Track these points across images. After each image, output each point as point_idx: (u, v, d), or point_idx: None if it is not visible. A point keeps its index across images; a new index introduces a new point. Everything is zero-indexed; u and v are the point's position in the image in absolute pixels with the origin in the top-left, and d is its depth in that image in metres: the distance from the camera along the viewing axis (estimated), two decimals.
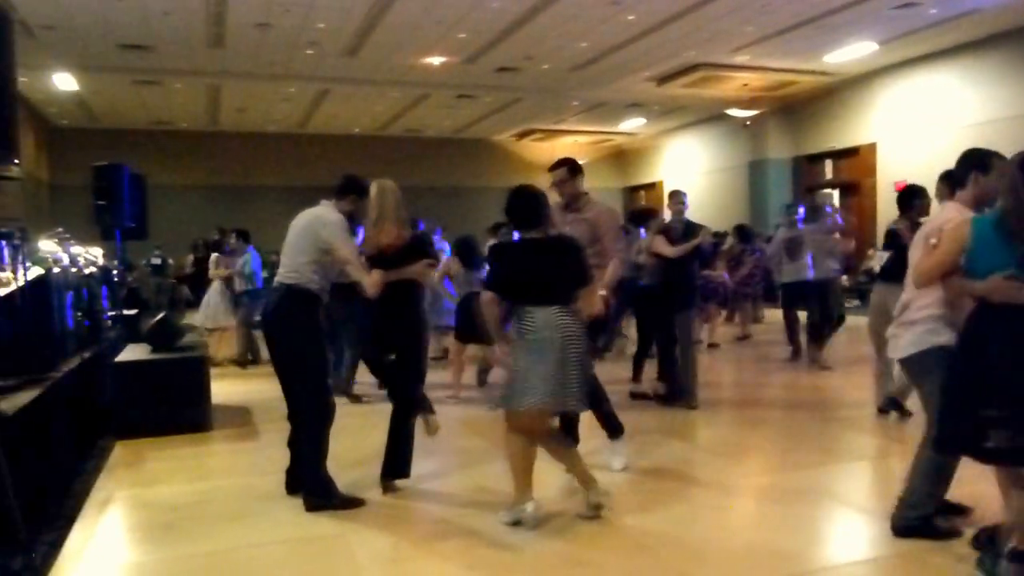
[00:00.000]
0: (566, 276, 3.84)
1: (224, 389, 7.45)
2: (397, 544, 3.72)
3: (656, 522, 3.94)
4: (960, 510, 3.76)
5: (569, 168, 4.96)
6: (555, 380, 3.67)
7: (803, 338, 8.82)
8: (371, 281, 4.22)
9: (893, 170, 15.07)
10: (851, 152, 16.41)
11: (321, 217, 4.31)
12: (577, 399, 3.78)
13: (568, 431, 4.55)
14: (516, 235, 4.11)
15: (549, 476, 4.32)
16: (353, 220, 4.52)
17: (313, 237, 4.25)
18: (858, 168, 16.22)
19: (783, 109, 17.72)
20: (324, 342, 4.40)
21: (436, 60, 13.92)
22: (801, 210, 9.44)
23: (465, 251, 7.60)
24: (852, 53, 13.76)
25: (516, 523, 3.85)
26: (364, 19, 11.62)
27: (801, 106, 17.44)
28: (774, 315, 14.23)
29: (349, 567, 3.47)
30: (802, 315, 8.85)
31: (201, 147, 20.16)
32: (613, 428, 4.85)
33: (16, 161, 3.51)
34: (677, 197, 7.09)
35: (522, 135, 22.15)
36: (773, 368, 8.85)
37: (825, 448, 5.41)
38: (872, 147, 15.77)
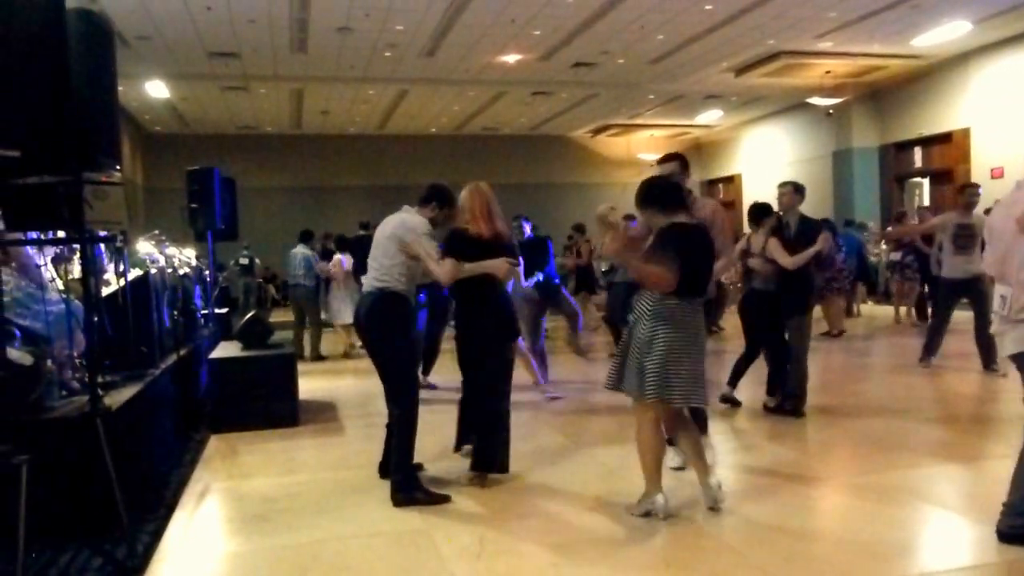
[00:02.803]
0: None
1: (310, 385, 7.67)
2: (483, 539, 3.76)
3: (745, 523, 3.87)
4: None
5: (681, 162, 4.86)
6: (685, 373, 3.74)
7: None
8: (443, 271, 4.36)
9: (989, 156, 14.35)
10: (943, 138, 15.69)
11: (405, 222, 4.48)
12: (704, 393, 3.87)
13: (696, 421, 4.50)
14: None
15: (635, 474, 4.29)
16: (435, 227, 4.63)
17: (399, 243, 4.41)
18: (951, 155, 15.50)
19: (869, 96, 17.10)
20: (411, 339, 4.56)
21: (511, 58, 13.97)
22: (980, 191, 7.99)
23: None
24: (943, 34, 13.15)
25: (647, 515, 3.89)
26: (441, 20, 11.75)
27: (888, 92, 16.79)
28: (871, 310, 13.85)
29: (434, 561, 3.52)
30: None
31: (285, 150, 20.75)
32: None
33: (118, 167, 3.69)
34: (783, 188, 6.41)
35: (598, 131, 22.02)
36: (887, 367, 8.57)
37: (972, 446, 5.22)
38: (966, 132, 15.04)
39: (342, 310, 10.19)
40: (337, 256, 10.51)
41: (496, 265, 4.44)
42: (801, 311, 6.07)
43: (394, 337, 4.41)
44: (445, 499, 4.30)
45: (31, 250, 4.30)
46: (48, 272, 4.46)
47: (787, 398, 6.10)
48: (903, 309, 12.38)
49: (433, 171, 21.93)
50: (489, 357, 4.60)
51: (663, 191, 4.00)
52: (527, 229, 7.90)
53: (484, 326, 4.59)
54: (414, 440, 4.39)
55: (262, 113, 18.26)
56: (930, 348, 8.02)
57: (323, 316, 10.64)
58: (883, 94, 16.94)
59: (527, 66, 14.50)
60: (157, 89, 14.89)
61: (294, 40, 12.54)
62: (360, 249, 8.93)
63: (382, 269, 4.43)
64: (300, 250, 10.49)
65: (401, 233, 4.42)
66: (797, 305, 6.04)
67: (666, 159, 4.92)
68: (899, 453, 5.07)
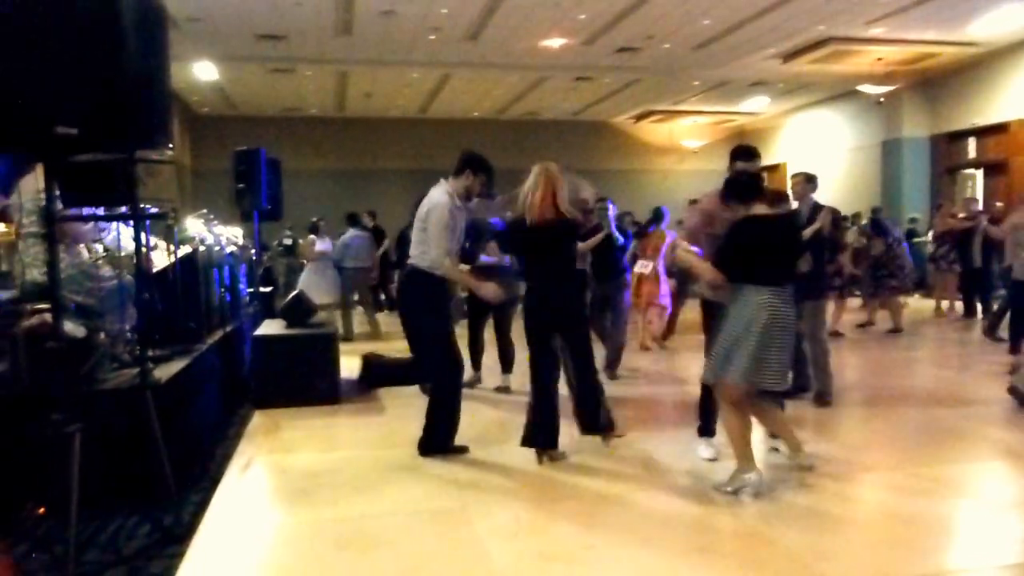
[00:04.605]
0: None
1: (351, 364, 7.75)
2: (519, 518, 3.80)
3: (781, 512, 3.85)
4: None
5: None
6: (758, 358, 3.86)
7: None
8: (445, 264, 4.53)
9: None
10: (998, 128, 15.21)
11: (431, 198, 4.65)
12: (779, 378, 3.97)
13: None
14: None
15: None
16: (470, 197, 4.78)
17: (425, 219, 4.57)
18: (1006, 146, 15.05)
19: (921, 84, 16.65)
20: (446, 316, 4.73)
21: (555, 42, 13.89)
22: None
23: None
24: (1001, 20, 12.74)
25: (737, 492, 3.99)
26: (485, 3, 11.72)
27: (941, 80, 16.34)
28: (917, 303, 13.54)
29: (470, 540, 3.57)
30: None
31: (328, 132, 20.91)
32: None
33: (171, 146, 3.78)
34: (795, 178, 6.59)
35: (640, 117, 21.80)
36: (930, 360, 8.42)
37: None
38: (1023, 123, 14.61)
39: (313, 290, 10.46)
40: (311, 237, 10.85)
41: (483, 287, 4.68)
42: (815, 296, 6.08)
43: (421, 312, 4.58)
44: (464, 449, 4.72)
45: (87, 226, 4.43)
46: (102, 247, 4.59)
47: (804, 384, 6.18)
48: (945, 302, 12.12)
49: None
50: (581, 329, 4.72)
51: (738, 186, 4.12)
52: (612, 213, 7.52)
53: (575, 302, 4.73)
54: (452, 417, 4.55)
55: (307, 95, 18.42)
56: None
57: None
58: (936, 82, 16.49)
59: (570, 51, 14.41)
60: (206, 71, 15.10)
61: (339, 23, 12.62)
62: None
63: (415, 246, 4.64)
64: (357, 232, 10.59)
65: (426, 211, 4.60)
66: (810, 290, 5.93)
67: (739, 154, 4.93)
68: (943, 447, 4.99)
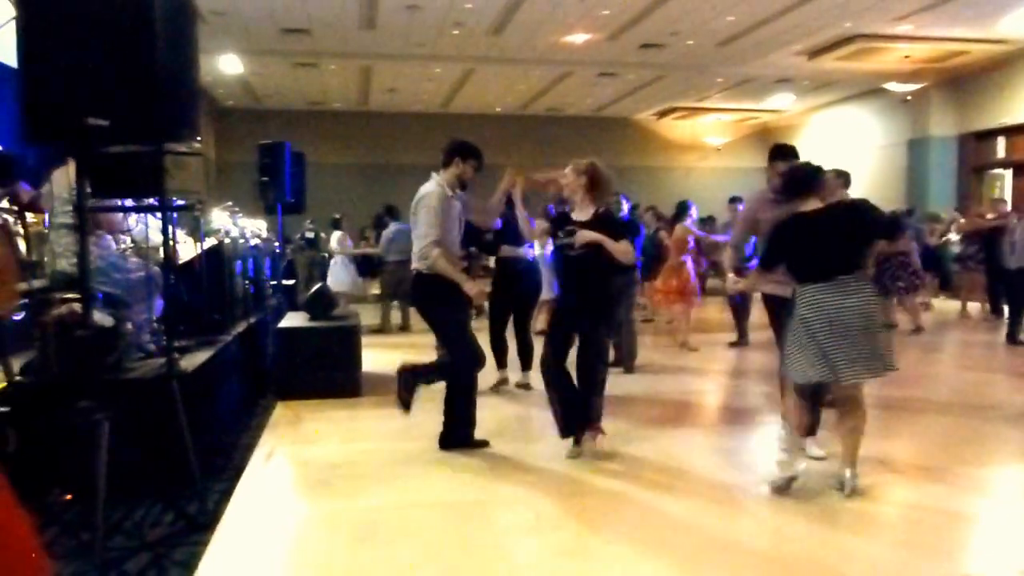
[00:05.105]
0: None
1: (370, 357, 7.80)
2: (539, 514, 3.81)
3: (804, 513, 3.83)
4: None
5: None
6: (827, 354, 3.84)
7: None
8: (435, 256, 4.50)
9: None
10: None
11: (420, 190, 4.66)
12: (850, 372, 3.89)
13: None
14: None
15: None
16: (464, 185, 4.73)
17: (416, 212, 4.63)
18: None
19: (949, 82, 16.43)
20: (461, 308, 4.74)
21: (579, 38, 13.86)
22: None
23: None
24: None
25: (788, 483, 4.01)
26: None
27: (970, 78, 16.11)
28: (942, 305, 13.38)
29: (489, 534, 3.59)
30: None
31: (351, 126, 21.00)
32: None
33: (199, 138, 3.82)
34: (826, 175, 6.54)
35: (663, 113, 21.70)
36: (955, 363, 8.33)
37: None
38: None
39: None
40: (338, 232, 11.32)
41: (470, 286, 4.60)
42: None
43: (436, 305, 4.65)
44: (484, 443, 4.74)
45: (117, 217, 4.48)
46: (129, 239, 4.64)
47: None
48: (972, 303, 11.96)
49: (497, 151, 21.87)
50: (603, 326, 4.73)
51: (798, 178, 4.13)
52: (625, 207, 7.59)
53: (600, 297, 4.70)
54: (469, 409, 4.67)
55: (331, 89, 18.51)
56: None
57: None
58: (964, 80, 16.27)
59: (594, 46, 14.37)
60: (231, 64, 15.21)
61: (363, 17, 12.66)
62: None
63: (414, 245, 4.69)
64: (399, 226, 10.40)
65: (415, 203, 4.62)
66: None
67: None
68: (968, 449, 4.95)
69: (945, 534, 3.56)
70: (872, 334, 3.87)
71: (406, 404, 4.72)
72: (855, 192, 14.66)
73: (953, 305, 12.64)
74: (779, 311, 4.41)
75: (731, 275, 4.85)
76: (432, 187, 4.62)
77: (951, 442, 5.14)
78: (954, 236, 12.81)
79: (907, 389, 6.80)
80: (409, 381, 4.72)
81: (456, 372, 4.70)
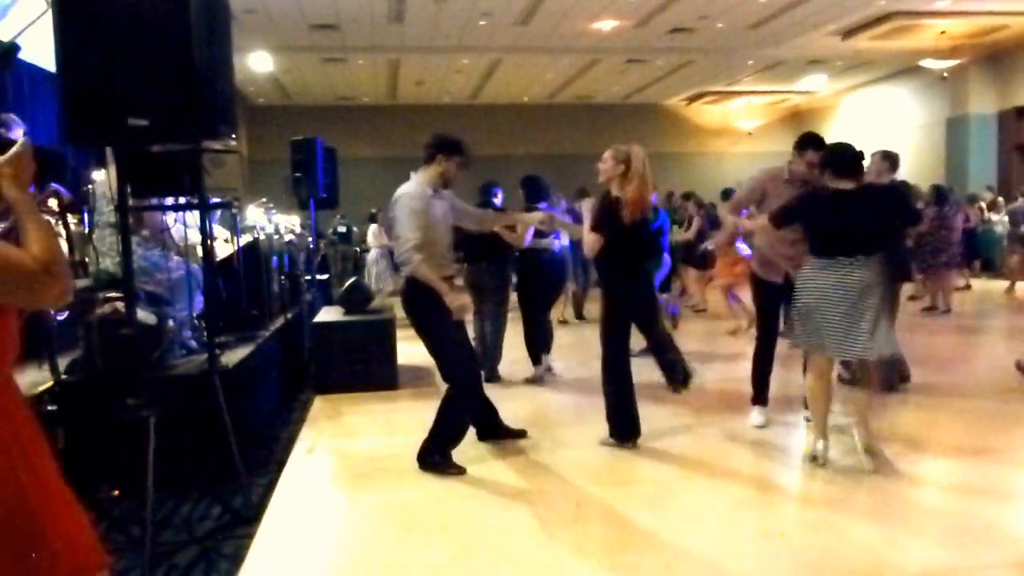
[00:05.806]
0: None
1: (405, 350, 7.83)
2: (580, 503, 3.80)
3: (850, 500, 3.78)
4: None
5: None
6: (841, 329, 3.94)
7: None
8: (416, 260, 4.13)
9: None
10: None
11: (396, 193, 4.37)
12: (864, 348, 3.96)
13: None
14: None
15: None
16: (447, 184, 4.46)
17: (393, 215, 4.37)
18: None
19: (988, 58, 16.04)
20: (452, 323, 4.28)
21: (606, 25, 13.75)
22: None
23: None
24: None
25: (813, 459, 4.16)
26: None
27: (1010, 53, 15.71)
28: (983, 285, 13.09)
29: (531, 524, 3.58)
30: None
31: (380, 120, 21.07)
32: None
33: (234, 136, 3.85)
34: (872, 157, 6.17)
35: (693, 99, 21.48)
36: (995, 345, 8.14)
37: None
38: None
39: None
40: (374, 226, 11.30)
41: (452, 299, 4.19)
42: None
43: (425, 320, 4.28)
44: (461, 471, 4.26)
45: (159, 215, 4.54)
46: (170, 237, 4.70)
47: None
48: (1021, 283, 11.71)
49: (526, 140, 21.94)
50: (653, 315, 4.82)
51: (844, 158, 4.11)
52: (500, 197, 7.20)
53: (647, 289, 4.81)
54: (459, 428, 4.39)
55: (359, 84, 18.59)
56: None
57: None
58: (1004, 56, 15.87)
59: (622, 33, 14.24)
60: (261, 61, 15.33)
61: (391, 11, 12.68)
62: None
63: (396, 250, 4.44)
64: None
65: (391, 205, 4.34)
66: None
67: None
68: (1015, 436, 4.84)
69: (996, 521, 3.49)
70: (864, 312, 3.93)
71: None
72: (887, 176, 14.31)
73: (995, 285, 12.36)
74: (767, 295, 4.78)
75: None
76: (411, 187, 4.32)
77: (999, 428, 5.02)
78: (995, 216, 12.54)
79: (950, 374, 6.68)
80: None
81: (452, 387, 4.39)
